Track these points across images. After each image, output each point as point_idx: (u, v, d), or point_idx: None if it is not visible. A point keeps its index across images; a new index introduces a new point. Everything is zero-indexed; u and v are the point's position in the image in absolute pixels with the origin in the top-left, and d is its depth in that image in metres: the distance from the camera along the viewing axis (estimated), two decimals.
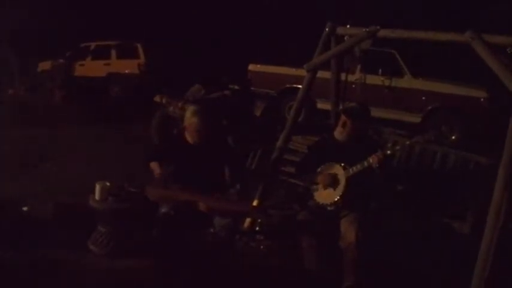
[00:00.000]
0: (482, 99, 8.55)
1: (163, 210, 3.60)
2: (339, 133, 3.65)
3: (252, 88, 10.36)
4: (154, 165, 3.75)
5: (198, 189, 3.54)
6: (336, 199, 3.51)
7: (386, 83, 9.17)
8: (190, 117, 3.72)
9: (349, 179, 3.49)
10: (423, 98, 8.97)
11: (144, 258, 3.62)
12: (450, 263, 3.77)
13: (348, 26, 4.29)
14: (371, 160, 3.39)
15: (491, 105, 8.41)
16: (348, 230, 3.40)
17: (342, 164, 3.53)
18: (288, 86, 9.97)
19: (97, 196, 3.83)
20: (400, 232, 3.99)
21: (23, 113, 10.07)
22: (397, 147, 3.58)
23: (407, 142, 3.57)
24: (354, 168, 3.47)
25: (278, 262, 3.87)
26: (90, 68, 14.38)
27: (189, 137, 3.78)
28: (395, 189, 4.26)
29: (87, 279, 3.48)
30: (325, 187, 3.57)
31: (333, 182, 3.53)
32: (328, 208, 3.55)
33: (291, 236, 3.84)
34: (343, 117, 3.62)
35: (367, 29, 3.95)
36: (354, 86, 8.92)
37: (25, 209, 4.26)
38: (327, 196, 3.56)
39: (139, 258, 3.64)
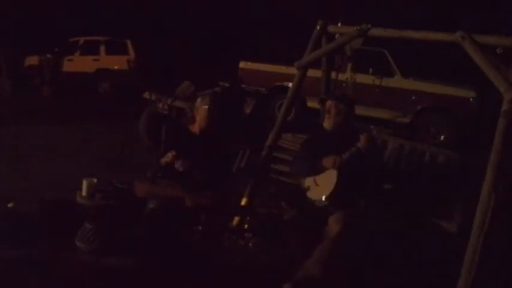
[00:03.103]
0: (471, 99, 8.61)
1: (151, 206, 3.58)
2: (326, 121, 3.69)
3: (242, 85, 10.34)
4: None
5: (187, 186, 3.52)
6: (330, 190, 3.48)
7: (377, 82, 9.20)
8: (200, 105, 3.87)
9: (340, 166, 3.47)
10: (413, 97, 9.03)
11: (131, 255, 3.59)
12: (437, 262, 3.78)
13: (339, 24, 4.28)
14: (359, 144, 3.41)
15: (480, 105, 8.48)
16: (333, 224, 3.39)
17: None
18: (278, 84, 9.96)
19: (84, 192, 3.79)
20: (388, 231, 4.00)
21: (9, 109, 9.97)
22: (374, 133, 3.59)
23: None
24: (343, 156, 3.47)
25: (267, 260, 3.86)
26: (79, 64, 14.25)
27: (197, 126, 3.89)
28: (383, 188, 4.26)
29: (73, 276, 3.44)
30: (318, 183, 3.55)
31: (327, 177, 3.52)
32: (320, 204, 3.53)
33: (280, 234, 3.82)
34: (327, 103, 3.69)
35: (358, 27, 3.94)
36: (344, 84, 8.93)
37: (10, 205, 4.19)
38: (320, 192, 3.54)
39: (127, 255, 3.60)
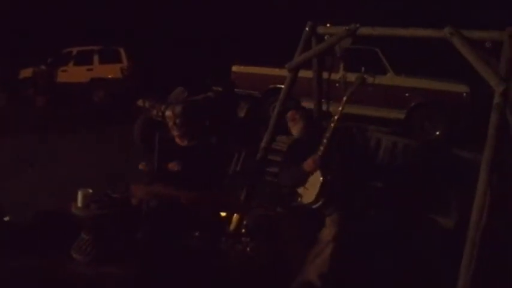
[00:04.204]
0: (464, 94, 8.63)
1: (150, 204, 3.60)
2: (294, 129, 3.80)
3: (236, 89, 10.33)
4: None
5: (181, 186, 3.56)
6: (318, 188, 3.47)
7: (369, 80, 9.19)
8: (170, 115, 3.84)
9: (319, 162, 3.46)
10: (406, 94, 9.04)
11: (128, 264, 3.58)
12: (435, 258, 3.77)
13: (328, 25, 4.29)
14: (324, 140, 3.45)
15: (473, 100, 8.50)
16: (330, 226, 3.37)
17: None
18: (271, 86, 9.95)
19: (79, 203, 3.79)
20: (385, 229, 3.99)
21: (4, 121, 9.95)
22: (336, 117, 3.56)
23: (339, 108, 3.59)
24: (318, 152, 3.47)
25: (265, 264, 3.85)
26: (73, 74, 14.28)
27: (176, 138, 3.85)
28: (377, 186, 4.25)
29: (70, 287, 3.43)
30: (308, 187, 3.55)
31: (314, 179, 3.52)
32: (313, 206, 3.52)
33: (278, 237, 3.81)
34: (288, 114, 3.84)
35: (347, 28, 3.95)
36: (337, 84, 8.92)
37: (6, 219, 4.17)
38: (310, 194, 3.53)
39: (124, 265, 3.59)
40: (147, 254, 3.57)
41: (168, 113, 3.89)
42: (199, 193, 3.55)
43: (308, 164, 3.49)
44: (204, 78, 9.51)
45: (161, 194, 3.58)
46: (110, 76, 13.77)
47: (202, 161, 3.75)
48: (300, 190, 3.60)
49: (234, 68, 10.86)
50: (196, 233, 3.67)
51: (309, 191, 3.52)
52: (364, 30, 3.94)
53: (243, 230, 4.26)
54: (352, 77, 9.06)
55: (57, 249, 3.76)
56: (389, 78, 9.18)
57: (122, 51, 13.73)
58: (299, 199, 3.60)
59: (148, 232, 3.58)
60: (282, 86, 4.66)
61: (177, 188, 3.57)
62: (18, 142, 8.01)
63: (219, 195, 3.76)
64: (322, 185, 3.44)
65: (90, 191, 3.84)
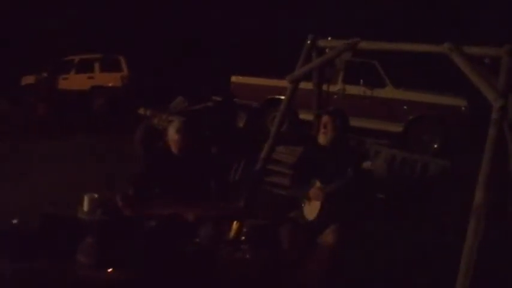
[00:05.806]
0: (463, 108, 8.70)
1: (151, 223, 3.61)
2: (322, 137, 3.65)
3: (235, 100, 10.39)
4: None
5: (184, 200, 3.55)
6: (315, 215, 3.51)
7: (368, 93, 9.29)
8: (173, 134, 3.71)
9: (323, 198, 3.46)
10: (405, 107, 9.10)
11: (132, 269, 3.60)
12: (432, 270, 3.81)
13: (329, 39, 4.36)
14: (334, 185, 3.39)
15: (472, 114, 8.55)
16: (329, 234, 3.42)
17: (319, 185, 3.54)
18: (270, 97, 10.01)
19: (85, 208, 3.84)
20: (383, 239, 4.03)
21: (6, 127, 9.97)
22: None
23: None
24: (328, 188, 3.44)
25: (264, 271, 3.88)
26: (74, 82, 14.32)
27: (173, 149, 3.81)
28: (376, 197, 4.31)
29: None
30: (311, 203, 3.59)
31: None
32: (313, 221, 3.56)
33: (277, 244, 3.85)
34: (323, 118, 3.66)
35: (348, 41, 4.02)
36: (336, 96, 9.02)
37: (15, 221, 4.20)
38: (310, 211, 3.58)
39: (128, 269, 3.61)
40: (148, 260, 3.60)
41: (171, 132, 3.78)
42: (204, 208, 3.55)
43: (313, 194, 3.51)
44: (203, 87, 9.60)
45: (162, 213, 3.54)
46: (110, 84, 13.83)
47: (200, 171, 3.76)
48: (303, 202, 3.64)
49: (233, 79, 10.91)
50: (197, 240, 3.70)
51: (310, 207, 3.57)
52: (364, 45, 4.02)
53: (243, 238, 4.30)
54: (350, 89, 9.23)
55: (62, 252, 3.78)
56: (388, 91, 9.26)
57: (122, 59, 13.80)
58: (300, 211, 3.65)
59: (148, 245, 3.60)
60: (281, 97, 4.72)
61: (178, 204, 3.55)
62: (20, 148, 8.03)
63: (223, 208, 3.75)
64: (320, 213, 3.49)
65: (96, 195, 3.89)
